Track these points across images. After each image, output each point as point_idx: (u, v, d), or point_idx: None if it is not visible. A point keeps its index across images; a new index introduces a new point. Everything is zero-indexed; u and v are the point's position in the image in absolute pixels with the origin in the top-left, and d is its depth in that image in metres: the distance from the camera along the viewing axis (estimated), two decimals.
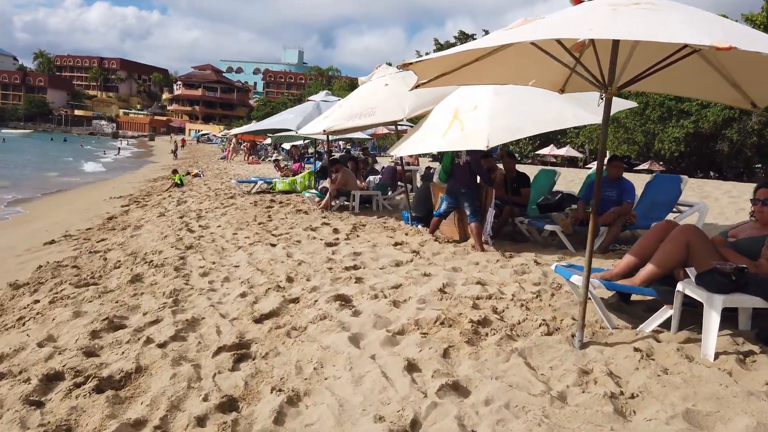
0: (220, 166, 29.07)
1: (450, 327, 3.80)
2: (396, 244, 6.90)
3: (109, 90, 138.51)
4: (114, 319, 4.29)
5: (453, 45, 69.24)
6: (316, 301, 4.50)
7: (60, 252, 8.94)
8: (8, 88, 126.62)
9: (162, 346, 3.70)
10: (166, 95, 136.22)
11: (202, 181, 19.54)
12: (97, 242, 9.16)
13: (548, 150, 42.54)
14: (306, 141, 19.66)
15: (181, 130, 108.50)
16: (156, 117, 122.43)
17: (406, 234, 7.61)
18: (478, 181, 6.76)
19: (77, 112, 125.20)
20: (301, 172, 20.13)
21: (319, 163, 14.67)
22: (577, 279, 3.80)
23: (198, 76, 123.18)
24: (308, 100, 10.40)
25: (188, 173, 24.17)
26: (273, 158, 21.85)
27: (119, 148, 61.99)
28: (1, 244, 10.87)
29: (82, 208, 16.09)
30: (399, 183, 11.01)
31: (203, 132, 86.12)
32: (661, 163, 36.06)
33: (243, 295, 4.79)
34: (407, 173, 10.92)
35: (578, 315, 3.51)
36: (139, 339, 3.83)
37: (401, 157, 12.70)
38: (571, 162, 42.87)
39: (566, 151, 41.74)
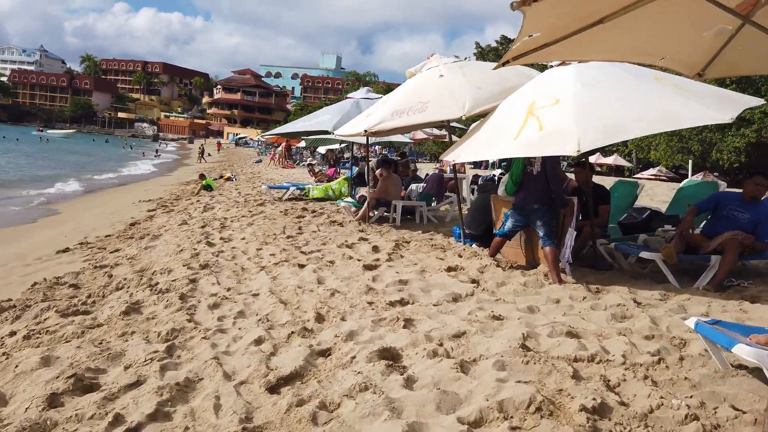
0: (254, 170, 28.42)
1: (551, 417, 2.56)
2: (449, 269, 5.68)
3: (152, 93, 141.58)
4: (85, 376, 3.20)
5: (495, 49, 67.71)
6: (353, 357, 3.32)
7: (69, 263, 8.07)
8: (56, 91, 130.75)
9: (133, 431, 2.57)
10: (206, 99, 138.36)
11: (234, 186, 18.71)
12: (110, 253, 8.25)
13: (594, 158, 40.57)
14: (342, 144, 18.59)
15: (219, 134, 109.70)
16: (195, 120, 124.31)
17: (460, 256, 6.37)
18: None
19: (120, 115, 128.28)
20: (336, 178, 19.15)
21: (355, 169, 13.57)
22: (750, 351, 2.51)
23: (237, 81, 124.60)
24: (347, 98, 9.18)
25: (221, 176, 23.51)
26: (307, 162, 20.89)
27: (157, 150, 62.57)
28: (16, 250, 10.16)
29: (111, 211, 15.41)
30: (446, 194, 9.76)
31: (241, 135, 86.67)
32: (715, 174, 33.68)
33: (258, 341, 3.65)
34: (453, 181, 9.69)
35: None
36: (105, 415, 2.72)
37: (452, 165, 11.46)
38: (617, 172, 40.75)
39: (614, 159, 39.70)
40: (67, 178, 27.48)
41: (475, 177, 12.05)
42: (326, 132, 8.74)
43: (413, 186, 10.43)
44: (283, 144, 37.66)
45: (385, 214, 9.32)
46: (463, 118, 5.92)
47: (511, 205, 5.65)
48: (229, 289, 5.04)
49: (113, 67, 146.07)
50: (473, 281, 5.17)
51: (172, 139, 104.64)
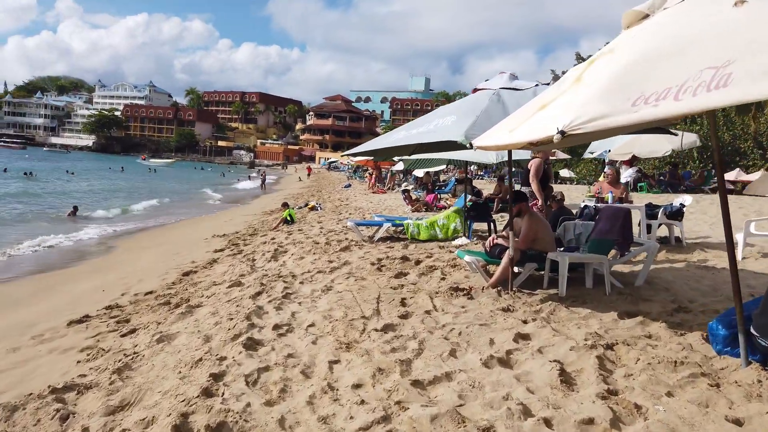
0: (342, 196, 25.86)
1: None
2: None
3: (249, 122, 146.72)
4: None
5: None
6: None
7: (64, 353, 5.40)
8: (163, 122, 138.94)
9: None
10: (299, 125, 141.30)
11: (317, 217, 15.98)
12: (122, 336, 5.49)
13: (734, 175, 34.23)
14: (444, 166, 15.24)
15: (311, 159, 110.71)
16: (289, 146, 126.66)
17: (752, 389, 2.84)
18: None
19: (220, 143, 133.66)
20: (436, 207, 15.94)
21: (465, 196, 10.21)
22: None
23: (329, 107, 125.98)
24: (479, 89, 5.86)
25: (306, 204, 21.08)
26: (402, 188, 17.80)
27: (250, 177, 62.96)
28: (36, 312, 7.87)
29: (173, 250, 13.14)
30: (634, 239, 6.09)
31: (332, 160, 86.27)
32: None
33: None
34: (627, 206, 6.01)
35: None
36: None
37: (610, 192, 7.88)
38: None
39: (759, 175, 33.14)
40: (155, 207, 26.47)
41: (651, 207, 8.26)
42: (447, 145, 5.43)
43: (567, 224, 6.91)
44: (372, 166, 35.11)
45: (537, 272, 5.90)
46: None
47: None
48: None
49: (214, 98, 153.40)
50: None
51: (267, 165, 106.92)
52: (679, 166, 27.11)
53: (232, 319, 5.03)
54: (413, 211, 15.31)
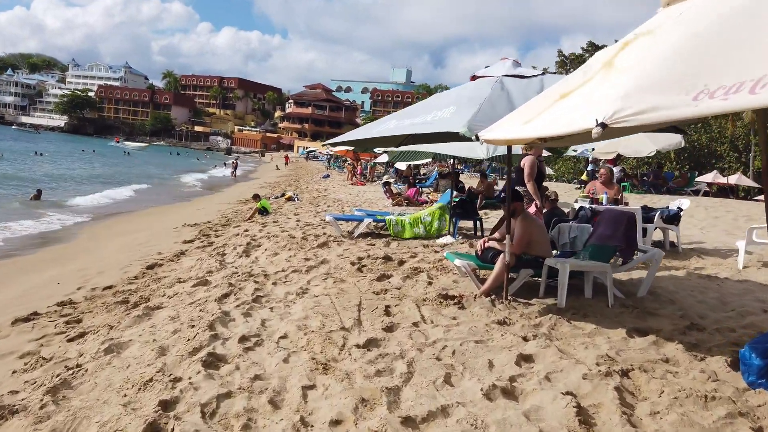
0: (320, 187, 25.20)
1: None
2: None
3: (227, 108, 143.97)
4: None
5: (580, 57, 62.00)
6: None
7: (1, 359, 4.73)
8: (138, 105, 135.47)
9: None
10: (278, 113, 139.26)
11: (294, 208, 15.33)
12: (69, 341, 4.85)
13: (711, 177, 34.46)
14: (434, 158, 14.66)
15: (290, 147, 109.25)
16: (267, 134, 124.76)
17: None
18: None
19: (197, 128, 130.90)
20: (418, 201, 15.42)
21: (451, 192, 9.69)
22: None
23: (309, 95, 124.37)
24: (479, 77, 5.27)
25: (283, 194, 20.37)
26: (383, 181, 17.22)
27: (225, 163, 61.90)
28: None
29: (142, 240, 12.39)
30: (638, 247, 5.63)
31: (310, 149, 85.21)
32: None
33: None
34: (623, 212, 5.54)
35: None
36: None
37: (606, 193, 7.50)
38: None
39: (737, 179, 33.48)
40: (128, 195, 25.40)
41: (646, 209, 7.85)
42: (439, 137, 4.88)
43: (562, 226, 6.44)
44: (352, 157, 34.42)
45: (534, 278, 5.42)
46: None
47: None
48: None
49: (192, 82, 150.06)
50: None
51: (245, 153, 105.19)
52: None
53: (193, 326, 4.42)
54: (394, 205, 14.78)
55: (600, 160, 20.59)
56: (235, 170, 45.11)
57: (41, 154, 47.01)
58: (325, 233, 9.56)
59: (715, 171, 30.28)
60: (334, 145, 7.26)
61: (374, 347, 3.79)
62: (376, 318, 4.48)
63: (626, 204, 7.90)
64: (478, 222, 9.23)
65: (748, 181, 26.84)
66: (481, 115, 4.07)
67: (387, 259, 7.07)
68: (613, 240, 5.37)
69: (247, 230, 11.29)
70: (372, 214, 9.78)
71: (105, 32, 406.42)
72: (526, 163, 6.83)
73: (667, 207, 7.97)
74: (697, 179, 25.69)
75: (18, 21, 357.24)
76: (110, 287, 7.48)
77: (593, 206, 7.08)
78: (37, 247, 11.92)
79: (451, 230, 8.76)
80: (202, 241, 10.76)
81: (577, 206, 7.50)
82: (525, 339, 3.94)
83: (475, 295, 5.06)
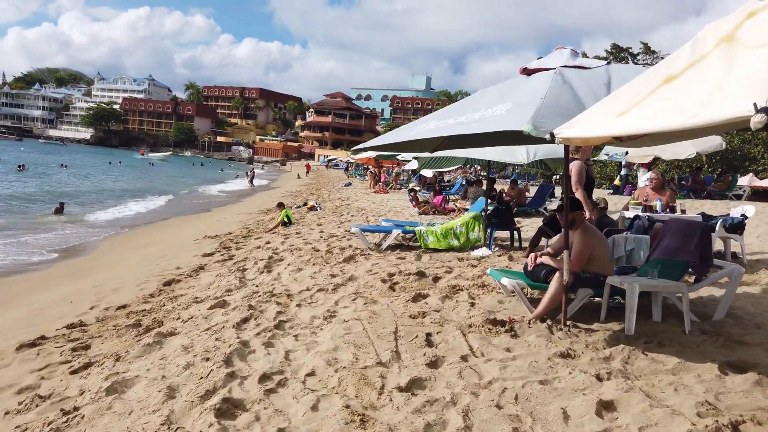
0: (342, 195, 24.70)
1: None
2: None
3: (248, 118, 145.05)
4: None
5: (604, 59, 60.66)
6: None
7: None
8: (162, 116, 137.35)
9: None
10: (299, 122, 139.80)
11: (317, 218, 14.81)
12: (72, 373, 4.35)
13: (747, 180, 33.02)
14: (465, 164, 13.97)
15: (311, 156, 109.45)
16: (288, 143, 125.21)
17: None
18: None
19: (219, 139, 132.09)
20: (445, 209, 14.75)
21: (486, 200, 9.00)
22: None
23: (329, 104, 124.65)
24: (532, 69, 4.53)
25: (305, 204, 19.91)
26: (409, 188, 16.57)
27: (247, 172, 62.14)
28: None
29: (161, 253, 12.01)
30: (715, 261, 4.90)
31: (331, 157, 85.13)
32: None
33: None
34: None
35: None
36: None
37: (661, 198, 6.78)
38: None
39: None
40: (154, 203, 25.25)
41: (706, 217, 7.09)
42: (498, 136, 4.20)
43: (617, 238, 5.76)
44: (373, 165, 33.89)
45: (594, 298, 4.76)
46: None
47: None
48: None
49: (214, 93, 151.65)
50: None
51: (266, 162, 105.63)
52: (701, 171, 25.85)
53: (208, 359, 3.87)
54: (420, 214, 14.16)
55: (634, 164, 19.66)
56: (252, 180, 44.97)
57: (66, 167, 47.54)
58: (350, 245, 8.99)
59: (750, 174, 28.97)
60: (365, 150, 6.70)
61: (419, 389, 3.18)
62: (416, 349, 3.87)
63: (683, 211, 7.16)
64: (515, 232, 8.56)
65: None
66: (546, 111, 3.44)
67: (420, 275, 6.45)
68: (685, 254, 4.68)
69: (269, 242, 10.79)
70: (400, 224, 9.18)
71: (129, 46, 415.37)
72: (573, 168, 6.16)
73: (728, 214, 7.21)
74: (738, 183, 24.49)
75: (46, 37, 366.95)
76: (124, 306, 7.02)
77: (649, 215, 6.37)
78: (53, 262, 11.60)
79: (487, 241, 8.12)
80: (222, 254, 10.30)
81: (628, 214, 6.80)
82: (598, 378, 3.29)
83: (528, 320, 4.42)
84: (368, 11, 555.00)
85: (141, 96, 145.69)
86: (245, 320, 4.81)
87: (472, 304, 5.06)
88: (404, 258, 7.71)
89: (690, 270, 4.81)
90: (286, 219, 13.45)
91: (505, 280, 4.77)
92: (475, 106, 4.52)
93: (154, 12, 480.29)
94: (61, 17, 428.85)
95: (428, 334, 4.16)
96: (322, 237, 10.28)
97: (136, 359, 4.29)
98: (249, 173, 47.49)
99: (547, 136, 2.94)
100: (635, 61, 60.66)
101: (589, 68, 4.36)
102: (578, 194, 5.94)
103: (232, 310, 5.31)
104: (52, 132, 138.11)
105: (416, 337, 4.09)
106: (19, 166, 40.63)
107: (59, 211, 19.82)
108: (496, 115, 3.89)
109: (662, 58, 56.55)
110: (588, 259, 4.65)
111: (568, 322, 4.36)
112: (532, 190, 17.01)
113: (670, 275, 4.61)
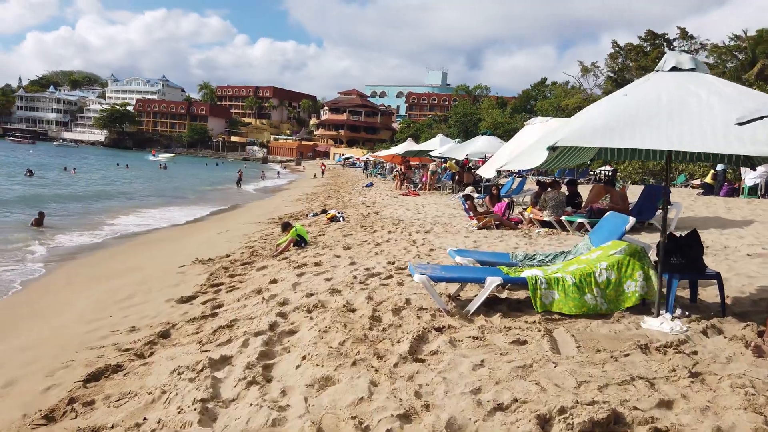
0: (366, 199, 21.09)
1: None
2: None
3: (262, 117, 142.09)
4: None
5: (638, 47, 56.28)
6: None
7: None
8: (175, 117, 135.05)
9: None
10: (313, 121, 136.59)
11: (341, 234, 11.25)
12: None
13: None
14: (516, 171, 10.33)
15: (326, 155, 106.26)
16: (303, 142, 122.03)
17: None
18: None
19: (233, 139, 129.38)
20: (509, 219, 11.09)
21: (618, 218, 5.31)
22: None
23: (343, 102, 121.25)
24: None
25: (324, 211, 16.39)
26: (462, 194, 12.81)
27: (263, 173, 59.19)
28: None
29: (130, 287, 8.70)
30: None
31: (347, 156, 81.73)
32: None
33: None
34: None
35: None
36: None
37: None
38: None
39: None
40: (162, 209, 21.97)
41: None
42: None
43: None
44: (400, 163, 30.31)
45: None
46: None
47: None
48: None
49: (227, 93, 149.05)
50: None
51: (281, 161, 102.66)
52: None
53: None
54: (480, 228, 10.56)
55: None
56: (239, 182, 41.53)
57: (74, 169, 44.88)
58: (404, 299, 5.42)
59: None
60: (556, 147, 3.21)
61: None
62: None
63: None
64: (717, 282, 4.82)
65: None
66: None
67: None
68: None
69: (275, 281, 7.30)
70: (494, 265, 5.56)
71: (146, 48, 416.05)
72: None
73: None
74: None
75: (62, 41, 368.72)
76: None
77: None
78: None
79: (665, 299, 4.50)
80: (204, 300, 6.88)
81: None
82: None
83: None
84: (382, 8, 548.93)
85: (155, 97, 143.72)
86: None
87: None
88: (517, 336, 4.12)
89: None
90: (298, 237, 9.97)
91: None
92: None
93: (171, 14, 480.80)
94: (78, 21, 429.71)
95: None
96: (356, 278, 6.67)
97: None
98: (237, 173, 43.90)
99: None
100: (672, 47, 56.04)
101: None
102: None
103: None
104: (66, 134, 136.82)
105: None
106: (28, 171, 38.36)
107: (39, 222, 16.68)
108: None
109: (701, 44, 52.10)
110: None
111: None
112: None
113: None
